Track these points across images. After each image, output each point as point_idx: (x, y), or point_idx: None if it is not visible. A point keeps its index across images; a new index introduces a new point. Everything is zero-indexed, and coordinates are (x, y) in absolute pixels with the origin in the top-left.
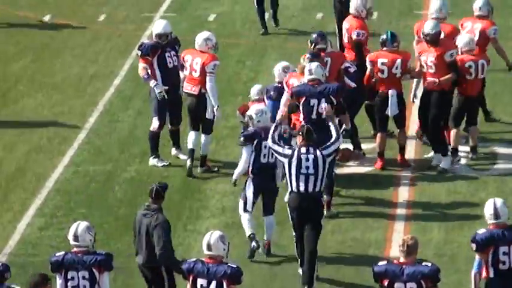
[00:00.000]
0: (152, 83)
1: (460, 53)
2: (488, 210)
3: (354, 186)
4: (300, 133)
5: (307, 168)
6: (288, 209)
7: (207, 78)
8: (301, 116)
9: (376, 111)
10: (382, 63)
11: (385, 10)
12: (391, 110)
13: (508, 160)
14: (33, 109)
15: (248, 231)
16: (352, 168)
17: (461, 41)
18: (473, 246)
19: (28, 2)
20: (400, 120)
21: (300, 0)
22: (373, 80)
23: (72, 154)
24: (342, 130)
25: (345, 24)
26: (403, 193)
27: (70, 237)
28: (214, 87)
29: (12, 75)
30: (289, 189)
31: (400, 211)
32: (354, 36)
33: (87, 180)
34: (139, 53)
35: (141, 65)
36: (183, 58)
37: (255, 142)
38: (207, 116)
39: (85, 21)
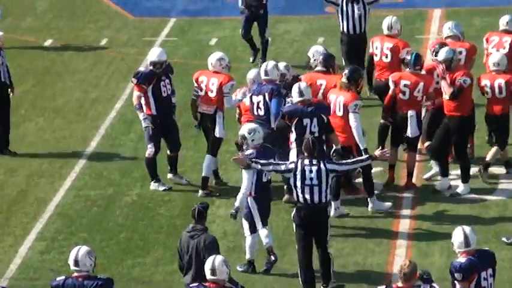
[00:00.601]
0: (142, 115)
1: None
2: (458, 239)
3: (356, 210)
4: (304, 145)
5: (311, 179)
6: (293, 222)
7: (225, 100)
8: (293, 136)
9: (393, 131)
10: (405, 85)
11: None
12: (411, 132)
13: (510, 183)
14: (34, 133)
15: (249, 255)
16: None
17: (493, 59)
18: (459, 276)
19: (30, 26)
20: (415, 143)
21: (302, 25)
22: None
23: (74, 178)
24: (332, 151)
25: (387, 44)
26: (405, 217)
27: (70, 261)
28: (232, 108)
29: (13, 99)
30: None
31: (402, 235)
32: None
33: (88, 204)
34: (135, 81)
35: (136, 93)
36: (197, 79)
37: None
38: (215, 134)
39: (87, 45)
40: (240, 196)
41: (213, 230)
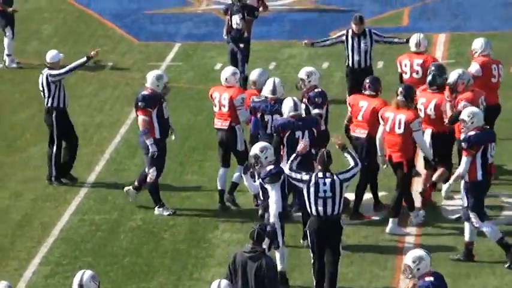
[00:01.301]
0: (150, 141)
1: None
2: None
3: (361, 234)
4: (319, 158)
5: (325, 191)
6: (307, 233)
7: (239, 114)
8: (285, 150)
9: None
10: (421, 103)
11: (390, 58)
12: (424, 152)
13: None
14: (39, 157)
15: (280, 267)
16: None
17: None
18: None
19: (35, 50)
20: (429, 161)
21: (306, 50)
22: None
23: (78, 202)
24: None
25: (417, 61)
26: (410, 241)
27: (75, 286)
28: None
29: (19, 123)
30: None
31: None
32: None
33: (93, 229)
34: (143, 104)
35: (142, 117)
36: (211, 95)
37: (282, 179)
38: (238, 148)
39: (92, 70)
40: (273, 212)
41: (217, 255)
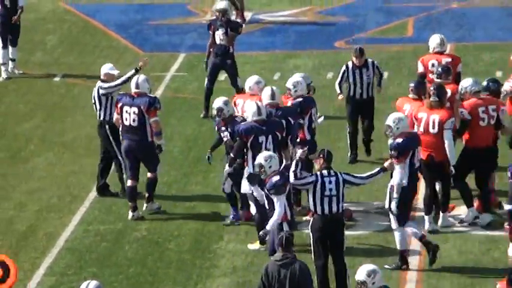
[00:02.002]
0: (163, 140)
1: None
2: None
3: (364, 245)
4: (321, 156)
5: (331, 190)
6: (310, 234)
7: None
8: (249, 154)
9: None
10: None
11: (395, 70)
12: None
13: None
14: (44, 168)
15: None
16: (360, 227)
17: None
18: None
19: (39, 61)
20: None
21: (311, 61)
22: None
23: (83, 213)
24: (281, 166)
25: (446, 59)
26: (414, 252)
27: None
28: None
29: (23, 134)
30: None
31: (412, 271)
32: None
33: (97, 239)
34: (159, 105)
35: (156, 118)
36: (235, 102)
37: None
38: None
39: (96, 81)
40: (272, 221)
41: (222, 265)
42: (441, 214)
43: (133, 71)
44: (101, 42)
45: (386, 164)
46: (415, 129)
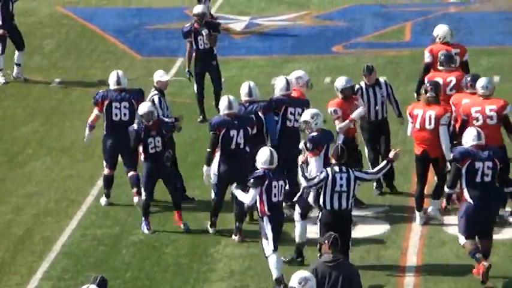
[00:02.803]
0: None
1: None
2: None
3: (362, 249)
4: (333, 152)
5: (341, 186)
6: (319, 226)
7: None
8: (219, 147)
9: None
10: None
11: (393, 74)
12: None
13: None
14: (41, 172)
15: (276, 274)
16: (359, 231)
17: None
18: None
19: (37, 65)
20: None
21: (309, 65)
22: None
23: (80, 217)
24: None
25: (455, 50)
26: (412, 257)
27: None
28: None
29: (21, 138)
30: (323, 207)
31: (409, 275)
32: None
33: (94, 244)
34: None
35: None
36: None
37: (266, 184)
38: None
39: (93, 85)
40: (241, 198)
41: (219, 269)
42: (432, 201)
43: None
44: (99, 46)
45: (391, 155)
46: (410, 127)
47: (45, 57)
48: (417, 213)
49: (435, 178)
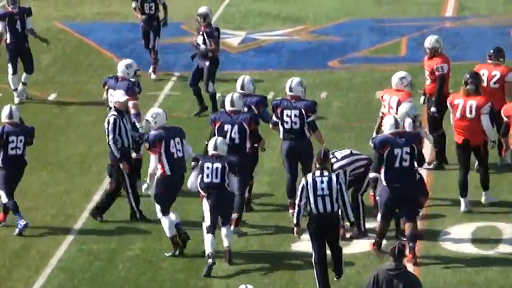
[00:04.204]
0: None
1: None
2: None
3: (359, 264)
4: (317, 156)
5: (322, 189)
6: (308, 231)
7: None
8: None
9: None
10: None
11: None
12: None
13: None
14: (38, 187)
15: (208, 250)
16: (355, 246)
17: None
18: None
19: (33, 80)
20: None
21: (304, 79)
22: None
23: (76, 232)
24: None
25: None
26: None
27: None
28: None
29: None
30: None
31: None
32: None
33: (91, 258)
34: (139, 90)
35: (135, 102)
36: (382, 97)
37: (198, 164)
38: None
39: (90, 100)
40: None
41: (215, 285)
42: (483, 192)
43: None
44: (95, 61)
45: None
46: (451, 116)
47: (41, 71)
48: (461, 200)
49: (475, 165)
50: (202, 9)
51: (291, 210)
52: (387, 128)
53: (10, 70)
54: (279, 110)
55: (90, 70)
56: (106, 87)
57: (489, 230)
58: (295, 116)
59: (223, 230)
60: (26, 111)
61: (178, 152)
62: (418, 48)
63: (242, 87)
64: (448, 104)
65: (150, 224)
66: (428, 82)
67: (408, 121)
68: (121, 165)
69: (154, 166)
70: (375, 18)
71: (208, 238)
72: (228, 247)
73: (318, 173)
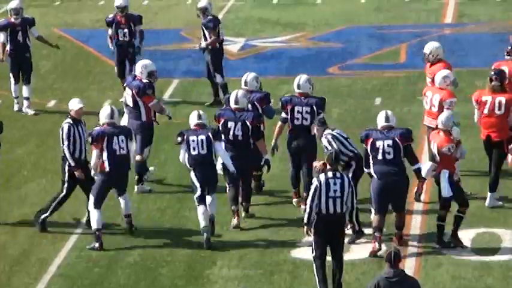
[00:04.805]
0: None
1: None
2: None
3: (358, 271)
4: (328, 158)
5: (335, 191)
6: (312, 230)
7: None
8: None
9: None
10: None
11: (389, 95)
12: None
13: None
14: (37, 194)
15: (202, 223)
16: (354, 252)
17: None
18: None
19: (33, 86)
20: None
21: None
22: None
23: (76, 239)
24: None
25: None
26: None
27: None
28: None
29: (16, 160)
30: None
31: None
32: None
33: (90, 265)
34: (152, 91)
35: (153, 102)
36: (425, 93)
37: (184, 138)
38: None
39: (90, 107)
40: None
41: None
42: (489, 194)
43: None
44: (95, 68)
45: None
46: (477, 113)
47: (41, 78)
48: (488, 194)
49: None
50: (202, 3)
51: (294, 199)
52: (378, 122)
53: (12, 80)
54: (289, 107)
55: (90, 77)
56: (124, 84)
57: (489, 236)
58: (306, 112)
59: (208, 198)
60: (25, 118)
61: (121, 149)
62: (417, 54)
63: (245, 84)
64: (474, 102)
65: (149, 230)
66: None
67: (456, 130)
68: (76, 173)
69: (96, 160)
70: (375, 25)
71: (200, 210)
72: (211, 215)
73: (330, 174)
